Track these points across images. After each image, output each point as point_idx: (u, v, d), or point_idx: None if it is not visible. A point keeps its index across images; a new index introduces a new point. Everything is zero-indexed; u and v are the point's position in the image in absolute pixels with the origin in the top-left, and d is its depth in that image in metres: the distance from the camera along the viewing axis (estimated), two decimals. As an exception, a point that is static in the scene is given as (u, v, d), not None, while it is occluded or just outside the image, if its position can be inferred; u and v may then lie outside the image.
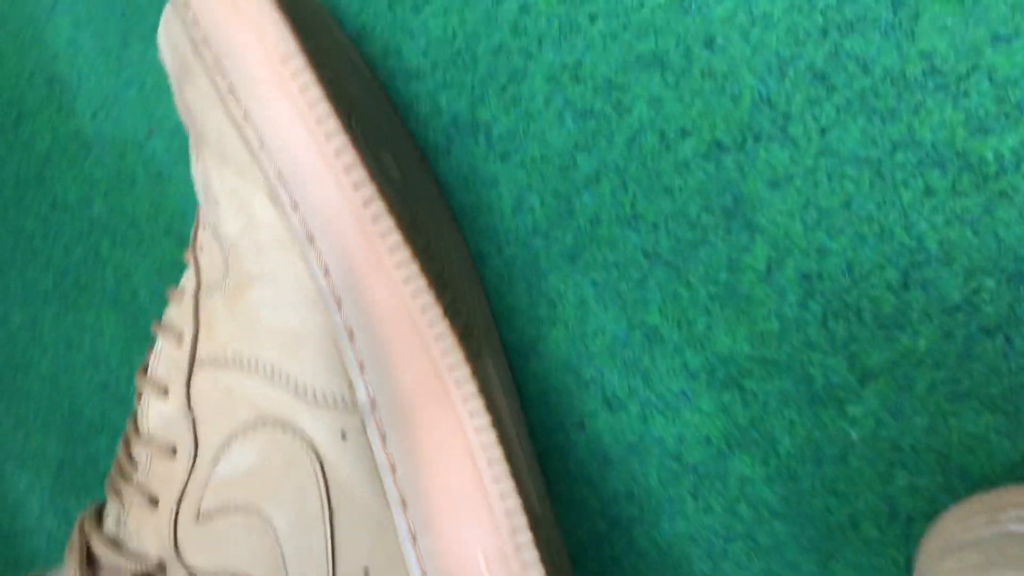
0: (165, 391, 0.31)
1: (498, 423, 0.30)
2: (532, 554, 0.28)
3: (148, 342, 0.48)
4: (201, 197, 0.31)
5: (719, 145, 0.31)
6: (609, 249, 0.34)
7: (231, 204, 0.29)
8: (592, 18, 0.32)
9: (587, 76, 0.32)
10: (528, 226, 0.35)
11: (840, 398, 0.32)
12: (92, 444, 0.53)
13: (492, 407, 0.30)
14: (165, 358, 0.31)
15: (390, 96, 0.37)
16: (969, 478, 0.30)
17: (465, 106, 0.35)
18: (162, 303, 0.47)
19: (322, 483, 0.28)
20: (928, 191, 0.28)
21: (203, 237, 0.31)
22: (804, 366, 0.32)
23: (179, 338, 0.31)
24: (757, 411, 0.33)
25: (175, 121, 0.42)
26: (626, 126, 0.32)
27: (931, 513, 0.31)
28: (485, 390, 0.30)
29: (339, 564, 0.28)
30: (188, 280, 0.31)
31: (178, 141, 0.42)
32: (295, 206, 0.27)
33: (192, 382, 0.30)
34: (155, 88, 0.42)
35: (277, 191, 0.27)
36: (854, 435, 0.32)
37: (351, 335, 0.28)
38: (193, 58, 0.28)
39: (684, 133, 0.31)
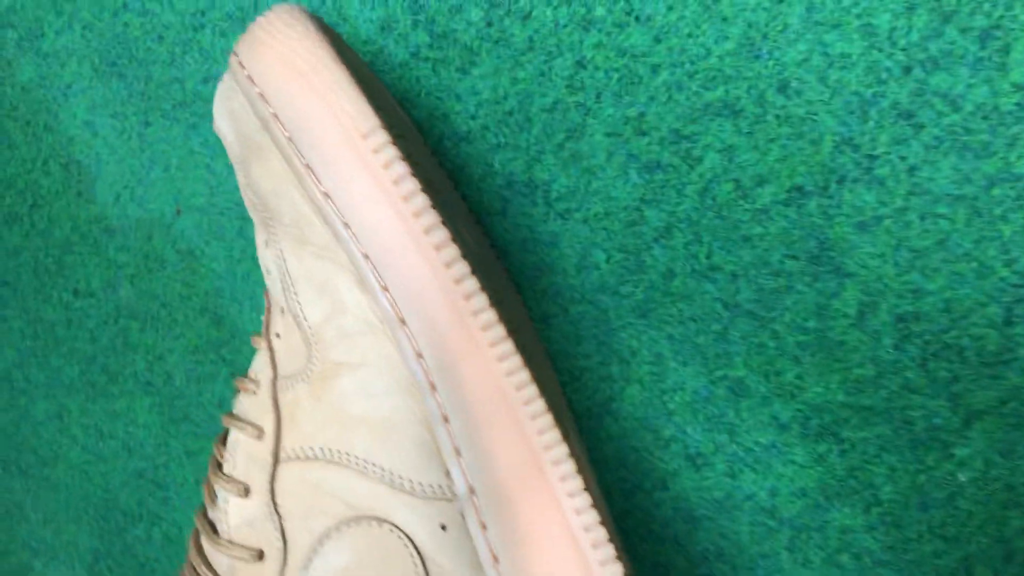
0: (246, 490, 0.29)
1: (597, 502, 0.29)
2: None
3: (184, 426, 0.46)
4: (273, 282, 0.29)
5: (800, 190, 0.30)
6: (685, 303, 0.33)
7: (311, 289, 0.28)
8: (655, 69, 0.31)
9: (652, 128, 0.31)
10: (594, 284, 0.34)
11: (944, 440, 0.30)
12: (129, 534, 0.51)
13: (589, 486, 0.29)
14: (243, 454, 0.29)
15: (440, 161, 0.35)
16: (1093, 516, 0.29)
17: (520, 167, 0.34)
18: (199, 386, 0.45)
19: None
20: (1030, 225, 0.27)
21: (281, 324, 0.29)
22: (904, 410, 0.31)
23: (259, 432, 0.29)
24: (855, 459, 0.32)
25: (204, 198, 0.40)
26: (697, 177, 0.31)
27: (1054, 555, 0.30)
28: (582, 469, 0.28)
29: None
30: (261, 369, 0.30)
31: (208, 218, 0.41)
32: (385, 288, 0.26)
33: (276, 478, 0.28)
34: (180, 166, 0.41)
35: (365, 273, 0.26)
36: (962, 477, 0.31)
37: (446, 419, 0.26)
38: (262, 136, 0.27)
39: (761, 180, 0.30)
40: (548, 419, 0.26)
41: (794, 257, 0.31)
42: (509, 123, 0.33)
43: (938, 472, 0.31)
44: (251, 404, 0.30)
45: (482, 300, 0.25)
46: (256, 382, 0.30)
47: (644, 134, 0.32)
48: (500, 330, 0.25)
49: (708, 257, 0.32)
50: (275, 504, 0.28)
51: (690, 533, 0.36)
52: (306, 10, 0.28)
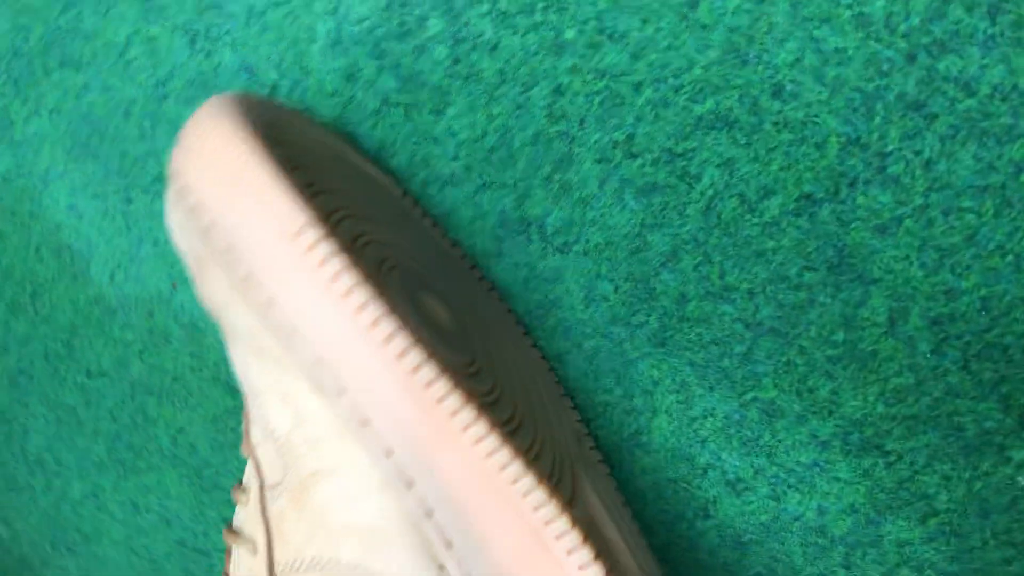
0: None
1: (612, 567, 0.27)
2: None
3: (217, 494, 0.45)
4: (244, 391, 0.28)
5: (810, 198, 0.28)
6: (703, 327, 0.31)
7: (275, 399, 0.26)
8: (637, 87, 0.29)
9: (643, 150, 0.29)
10: (605, 316, 0.32)
11: (999, 444, 0.28)
12: (180, 602, 0.50)
13: (602, 548, 0.27)
14: (244, 569, 0.28)
15: (426, 208, 0.33)
16: None
17: (510, 204, 0.32)
18: (224, 453, 0.44)
19: None
20: (1065, 209, 0.25)
21: (255, 434, 0.28)
22: (951, 416, 0.29)
23: (253, 547, 0.28)
24: (904, 471, 0.30)
25: (198, 268, 0.39)
26: (698, 195, 0.29)
27: None
28: (591, 534, 0.27)
29: None
30: (251, 478, 0.28)
31: (205, 287, 0.39)
32: (341, 391, 0.24)
33: None
34: (169, 240, 0.39)
35: (319, 379, 0.24)
36: (1022, 481, 0.28)
37: (429, 514, 0.25)
38: (204, 248, 0.25)
39: (767, 192, 0.28)
40: (541, 494, 0.24)
41: (812, 268, 0.28)
42: (492, 161, 0.32)
43: (996, 477, 0.29)
44: (245, 516, 0.29)
45: (443, 386, 0.23)
46: (247, 492, 0.28)
47: (635, 156, 0.29)
48: (469, 413, 0.24)
49: (721, 277, 0.30)
50: None
51: (740, 559, 0.34)
52: (238, 97, 0.27)
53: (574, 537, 0.25)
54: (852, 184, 0.27)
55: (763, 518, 0.33)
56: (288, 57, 0.33)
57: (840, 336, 0.29)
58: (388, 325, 0.23)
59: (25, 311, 0.46)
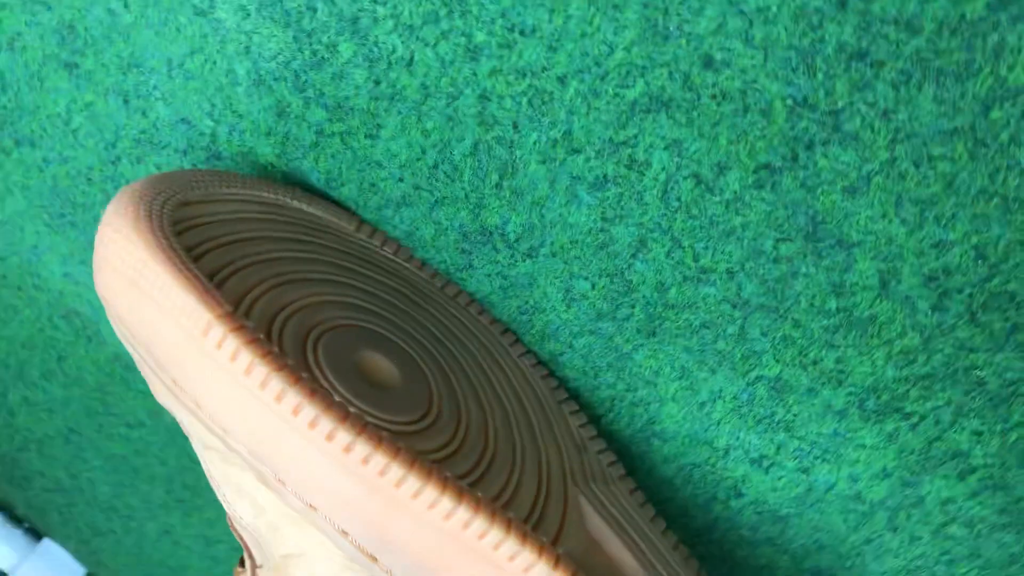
0: None
1: None
2: None
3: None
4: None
5: (768, 168, 0.25)
6: (689, 311, 0.29)
7: (231, 491, 0.26)
8: (562, 81, 0.26)
9: (584, 143, 0.27)
10: (589, 314, 0.30)
11: (1027, 392, 0.26)
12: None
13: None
14: None
15: (386, 234, 0.32)
16: None
17: (467, 217, 0.30)
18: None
19: None
20: (1050, 141, 0.22)
21: (233, 522, 0.27)
22: (968, 371, 0.26)
23: None
24: (930, 430, 0.28)
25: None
26: (651, 181, 0.27)
27: None
28: (586, 563, 0.26)
29: None
30: (247, 558, 0.28)
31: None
32: (282, 482, 0.23)
33: None
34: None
35: (260, 471, 0.23)
36: (1060, 426, 0.26)
37: None
38: (134, 353, 0.25)
39: (722, 168, 0.26)
40: (513, 543, 0.23)
41: (787, 239, 0.26)
42: (438, 176, 0.30)
43: (1030, 426, 0.26)
44: None
45: (381, 458, 0.22)
46: (245, 571, 0.28)
47: (578, 152, 0.27)
48: (415, 479, 0.22)
49: (695, 260, 0.28)
50: None
51: (782, 532, 0.32)
52: (143, 189, 0.26)
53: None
54: (809, 147, 0.24)
55: (796, 491, 0.31)
56: (218, 103, 0.32)
57: (833, 304, 0.27)
58: (311, 409, 0.22)
59: (56, 376, 0.47)
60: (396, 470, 0.22)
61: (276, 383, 0.22)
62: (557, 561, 0.24)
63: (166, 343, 0.23)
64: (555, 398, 0.31)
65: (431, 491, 0.23)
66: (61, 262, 0.41)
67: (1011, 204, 0.23)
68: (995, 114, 0.22)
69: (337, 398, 0.23)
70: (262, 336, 0.23)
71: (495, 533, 0.23)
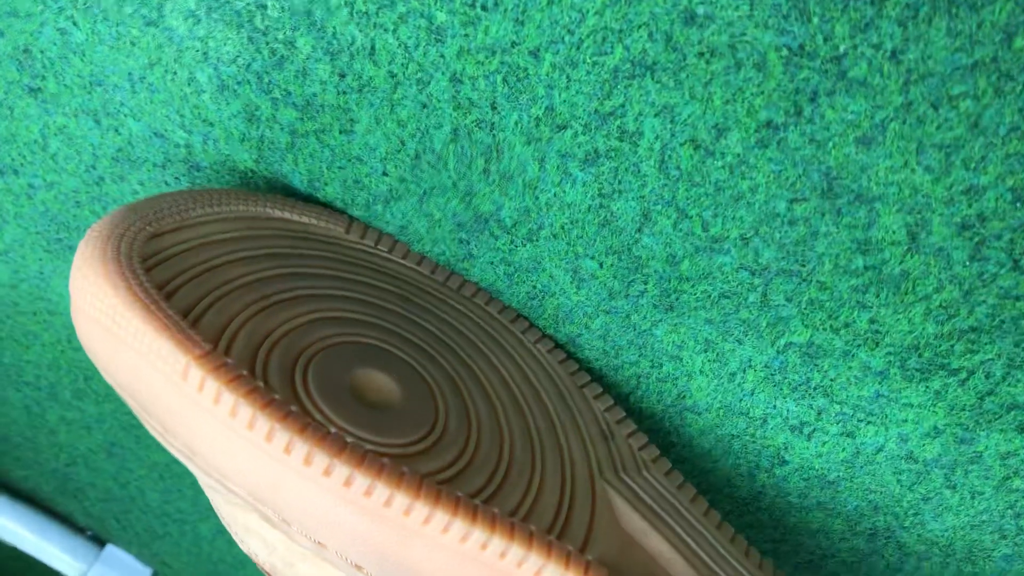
0: None
1: None
2: None
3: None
4: None
5: (771, 126, 0.23)
6: (706, 282, 0.27)
7: (240, 530, 0.25)
8: (535, 55, 0.24)
9: (569, 118, 0.25)
10: (600, 293, 0.28)
11: (1085, 338, 0.23)
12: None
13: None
14: None
15: (379, 229, 0.30)
16: None
17: (459, 207, 0.28)
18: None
19: None
20: (1086, 65, 0.19)
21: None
22: (1016, 321, 0.24)
23: None
24: (981, 385, 0.25)
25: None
26: (646, 151, 0.24)
27: None
28: (622, 563, 0.24)
29: None
30: None
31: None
32: (288, 522, 0.22)
33: None
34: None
35: (264, 513, 0.22)
36: (1126, 370, 0.23)
37: None
38: (128, 402, 0.24)
39: (720, 130, 0.23)
40: (536, 559, 0.22)
41: (802, 199, 0.24)
42: (422, 167, 0.28)
43: (1092, 373, 0.24)
44: None
45: (384, 488, 0.21)
46: None
47: (564, 128, 0.25)
48: (424, 505, 0.21)
49: (705, 230, 0.25)
50: None
51: (833, 496, 0.30)
52: (109, 222, 0.24)
53: None
54: (813, 99, 0.22)
55: (843, 455, 0.29)
56: (186, 113, 0.30)
57: (860, 263, 0.24)
58: (303, 446, 0.21)
59: (87, 395, 0.47)
60: (401, 498, 0.21)
61: (264, 422, 0.21)
62: (587, 569, 0.23)
63: (150, 390, 0.22)
64: (576, 383, 0.29)
65: (442, 515, 0.21)
66: (67, 284, 0.40)
67: (1048, 139, 0.20)
68: (1019, 42, 0.19)
69: (332, 429, 0.22)
70: (245, 372, 0.22)
71: (516, 550, 0.22)
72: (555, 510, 0.24)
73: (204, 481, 0.24)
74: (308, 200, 0.31)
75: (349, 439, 0.22)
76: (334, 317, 0.25)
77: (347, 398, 0.23)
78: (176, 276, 0.24)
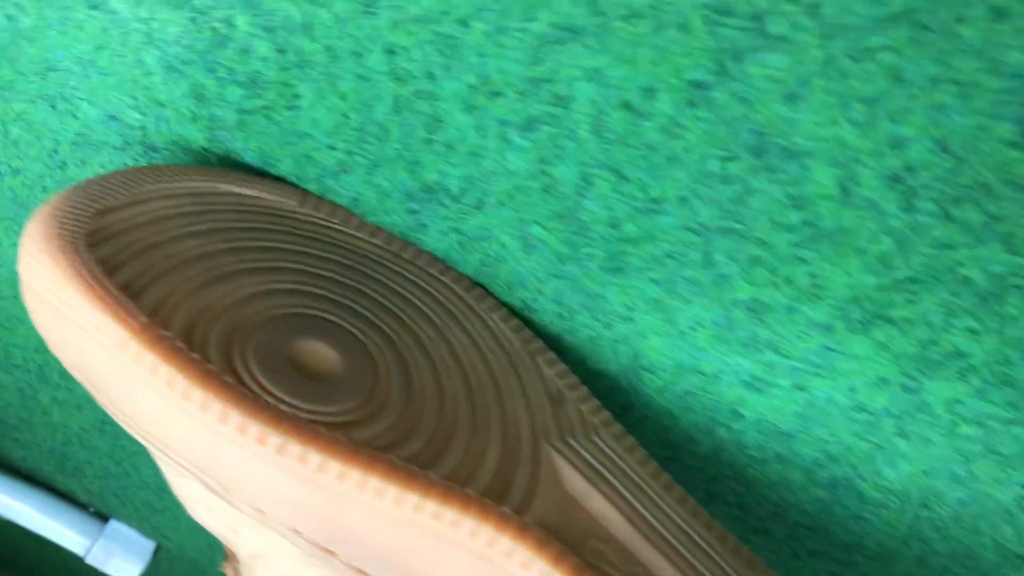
0: None
1: (588, 557, 0.25)
2: None
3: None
4: None
5: (699, 86, 0.23)
6: (649, 243, 0.27)
7: (185, 498, 0.25)
8: (464, 24, 0.24)
9: (503, 86, 0.25)
10: (550, 258, 0.29)
11: (1016, 284, 0.23)
12: None
13: (575, 535, 0.25)
14: None
15: (332, 201, 0.31)
16: None
17: (406, 177, 0.29)
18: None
19: None
20: (997, 14, 0.19)
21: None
22: (952, 270, 0.24)
23: None
24: (924, 334, 0.26)
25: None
26: (580, 116, 0.25)
27: None
28: (562, 524, 0.25)
29: None
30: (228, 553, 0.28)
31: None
32: (226, 490, 0.22)
33: None
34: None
35: (206, 481, 0.23)
36: (1060, 315, 0.24)
37: (365, 573, 0.23)
38: (82, 381, 0.24)
39: (650, 92, 0.23)
40: (471, 521, 0.22)
41: (734, 158, 0.24)
42: (368, 139, 0.28)
43: (1028, 319, 0.24)
44: None
45: (316, 456, 0.21)
46: (230, 565, 0.28)
47: (499, 95, 0.25)
48: (357, 473, 0.21)
49: (644, 191, 0.26)
50: None
51: (789, 447, 0.31)
52: (58, 200, 0.25)
53: (525, 552, 0.23)
54: (737, 58, 0.22)
55: (796, 408, 0.29)
56: (139, 95, 0.31)
57: (795, 218, 0.24)
58: (238, 416, 0.21)
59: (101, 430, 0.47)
60: (335, 464, 0.22)
61: (199, 393, 0.21)
62: (523, 530, 0.23)
63: (94, 365, 0.23)
64: (528, 350, 0.30)
65: (376, 480, 0.22)
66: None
67: (969, 86, 0.20)
68: (930, -7, 0.19)
69: (268, 399, 0.23)
70: (182, 344, 0.22)
71: (452, 513, 0.22)
72: (494, 474, 0.25)
73: (152, 453, 0.24)
74: (263, 176, 0.31)
75: (284, 408, 0.22)
76: (278, 289, 0.26)
77: (286, 368, 0.24)
78: (120, 251, 0.24)
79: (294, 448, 0.21)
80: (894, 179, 0.23)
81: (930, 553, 0.32)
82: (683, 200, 0.25)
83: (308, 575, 0.24)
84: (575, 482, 0.27)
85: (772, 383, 0.29)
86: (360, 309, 0.27)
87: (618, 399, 0.32)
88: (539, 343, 0.30)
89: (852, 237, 0.24)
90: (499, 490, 0.25)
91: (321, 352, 0.25)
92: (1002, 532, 0.30)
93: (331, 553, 0.23)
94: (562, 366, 0.30)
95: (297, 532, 0.23)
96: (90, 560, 0.61)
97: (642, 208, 0.26)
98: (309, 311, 0.26)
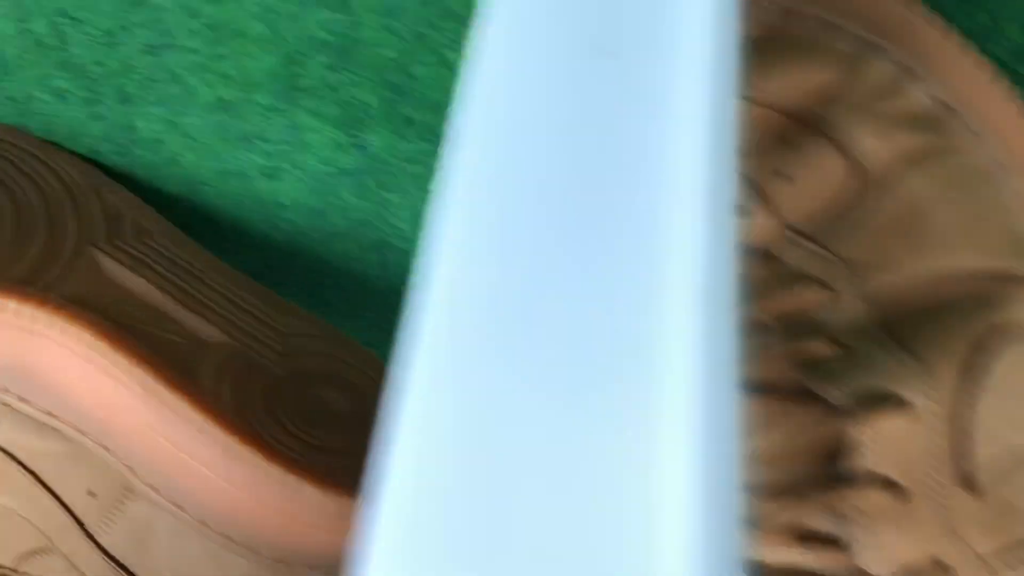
0: None
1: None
2: None
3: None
4: None
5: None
6: (130, 72, 0.34)
7: None
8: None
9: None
10: (80, 103, 0.36)
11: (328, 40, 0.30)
12: None
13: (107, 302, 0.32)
14: None
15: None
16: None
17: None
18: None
19: None
20: None
21: None
22: (313, 37, 0.31)
23: None
24: (329, 95, 0.33)
25: None
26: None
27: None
28: (91, 295, 0.32)
29: None
30: None
31: None
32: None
33: None
34: None
35: None
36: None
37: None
38: None
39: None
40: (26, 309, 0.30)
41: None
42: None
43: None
44: None
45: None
46: None
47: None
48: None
49: (97, 27, 0.33)
50: None
51: (330, 221, 0.38)
52: None
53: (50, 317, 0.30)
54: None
55: (308, 184, 0.36)
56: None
57: (201, 22, 0.31)
58: None
59: None
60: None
61: None
62: (43, 302, 0.30)
63: None
64: (90, 183, 0.37)
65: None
66: None
67: None
68: None
69: None
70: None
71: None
72: (33, 271, 0.32)
73: None
74: None
75: None
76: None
77: None
78: None
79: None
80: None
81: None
82: (124, 28, 0.32)
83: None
84: (116, 270, 0.34)
85: (279, 168, 0.36)
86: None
87: (182, 214, 0.39)
88: (103, 176, 0.37)
89: (233, 24, 0.31)
90: (33, 278, 0.32)
91: None
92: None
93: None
94: (124, 192, 0.37)
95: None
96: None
97: (104, 42, 0.33)
98: None
